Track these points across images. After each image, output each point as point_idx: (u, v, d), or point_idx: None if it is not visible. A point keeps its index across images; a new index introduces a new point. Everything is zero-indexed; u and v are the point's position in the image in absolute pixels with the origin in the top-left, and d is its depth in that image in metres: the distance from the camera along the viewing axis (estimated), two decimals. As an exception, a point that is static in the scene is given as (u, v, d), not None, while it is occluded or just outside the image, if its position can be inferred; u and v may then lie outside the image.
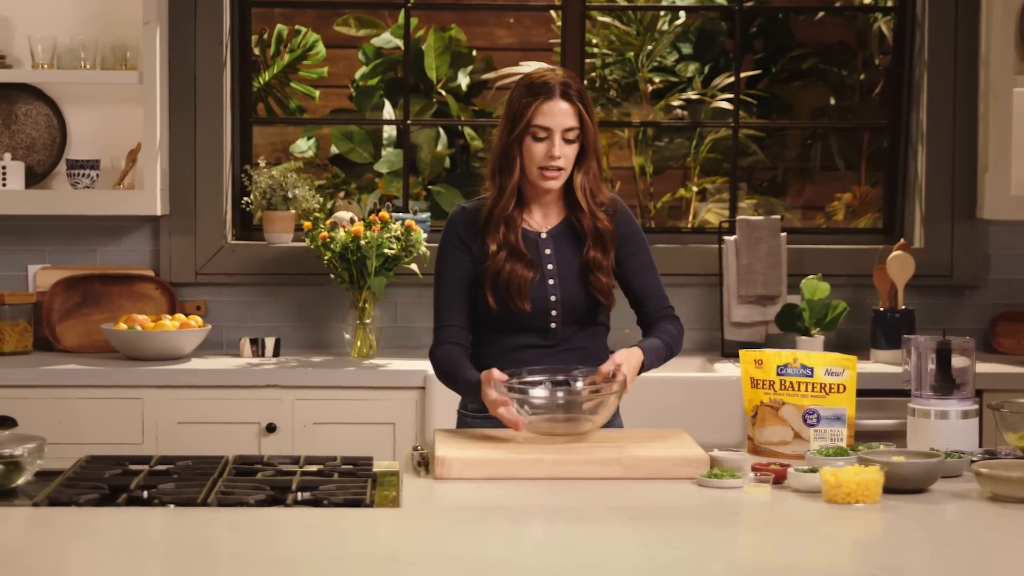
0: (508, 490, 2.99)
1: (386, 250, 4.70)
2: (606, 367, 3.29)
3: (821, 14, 6.30)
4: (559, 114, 3.39)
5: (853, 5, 6.23)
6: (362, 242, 4.68)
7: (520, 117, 3.40)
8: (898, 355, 4.77)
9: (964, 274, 5.15)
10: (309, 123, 6.29)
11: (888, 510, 2.85)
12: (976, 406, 3.27)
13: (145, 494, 2.86)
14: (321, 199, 5.16)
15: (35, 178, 5.01)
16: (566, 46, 5.26)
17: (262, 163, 5.14)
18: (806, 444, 3.27)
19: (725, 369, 4.77)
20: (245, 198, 5.09)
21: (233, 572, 2.46)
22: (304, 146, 6.24)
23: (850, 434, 3.29)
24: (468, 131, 6.28)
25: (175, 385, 4.53)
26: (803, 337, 4.88)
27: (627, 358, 3.32)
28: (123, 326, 4.70)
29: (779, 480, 3.04)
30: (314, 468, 3.11)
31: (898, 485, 2.95)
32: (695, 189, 6.26)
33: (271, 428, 4.53)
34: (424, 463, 3.16)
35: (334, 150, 6.19)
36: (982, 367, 4.46)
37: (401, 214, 5.02)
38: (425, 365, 4.02)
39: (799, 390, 3.31)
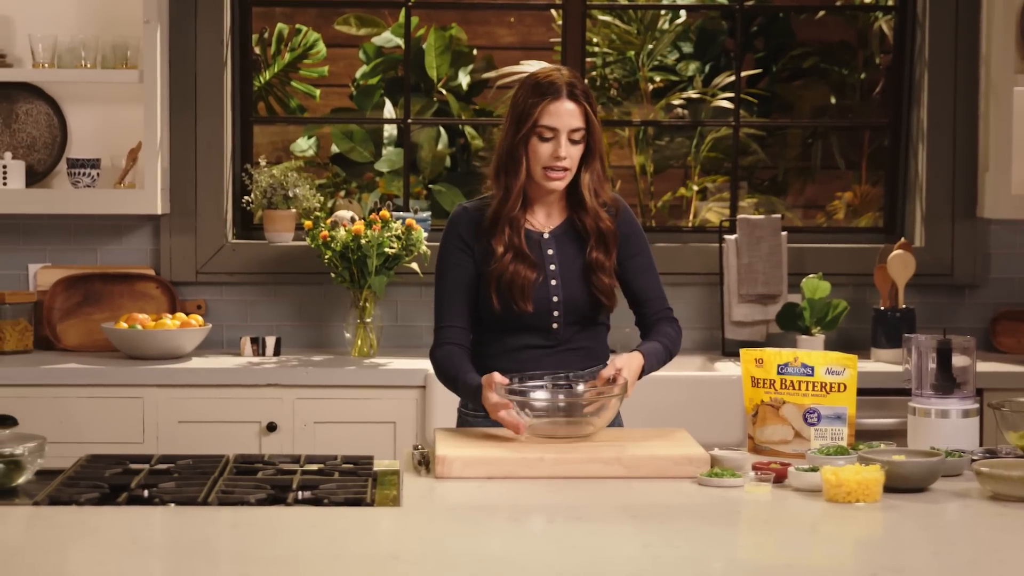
0: (509, 489, 2.99)
1: (387, 249, 4.70)
2: (607, 372, 3.29)
3: (822, 13, 6.29)
4: (566, 114, 3.37)
5: (854, 4, 6.22)
6: (363, 241, 4.68)
7: (526, 117, 3.38)
8: (899, 354, 4.77)
9: (965, 273, 5.14)
10: (310, 122, 6.28)
11: (889, 509, 2.85)
12: (977, 405, 3.27)
13: (146, 493, 2.86)
14: (322, 198, 5.16)
15: (36, 177, 5.01)
16: (567, 45, 5.26)
17: (263, 162, 5.14)
18: (807, 443, 3.27)
19: (726, 368, 4.76)
20: (246, 197, 5.09)
21: (234, 571, 2.46)
22: (305, 145, 6.24)
23: (851, 433, 3.28)
24: (469, 130, 6.28)
25: (176, 384, 4.53)
26: (804, 336, 4.88)
27: (628, 363, 3.31)
28: (124, 325, 4.70)
29: (780, 479, 3.04)
30: (315, 467, 3.11)
31: (899, 484, 2.95)
32: (696, 188, 6.25)
33: (272, 427, 4.53)
34: (425, 462, 3.16)
35: (335, 149, 6.18)
36: (982, 366, 4.46)
37: (402, 213, 5.02)
38: (425, 364, 4.01)
39: (800, 389, 3.31)
